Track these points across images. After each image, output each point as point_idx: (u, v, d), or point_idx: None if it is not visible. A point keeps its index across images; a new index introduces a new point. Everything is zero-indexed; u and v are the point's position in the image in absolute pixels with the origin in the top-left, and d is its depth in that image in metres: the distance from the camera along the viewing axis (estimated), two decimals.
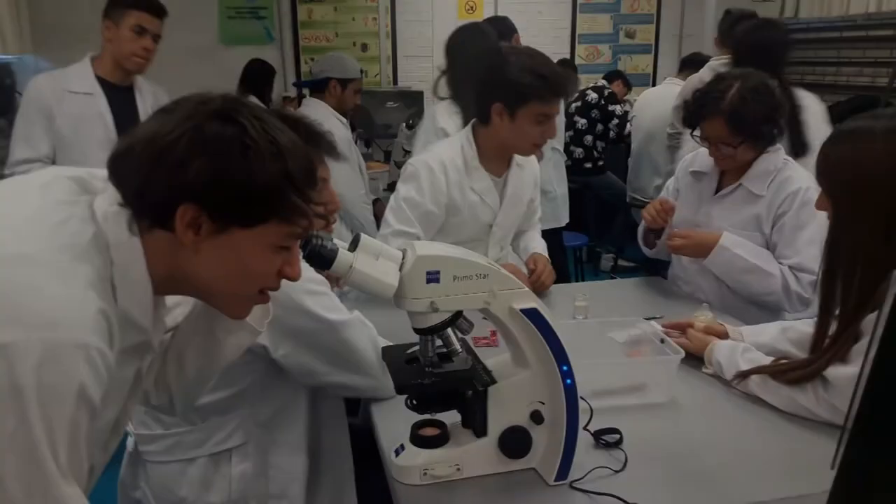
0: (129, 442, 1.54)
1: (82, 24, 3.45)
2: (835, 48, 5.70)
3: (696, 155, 2.27)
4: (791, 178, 2.01)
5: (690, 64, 4.26)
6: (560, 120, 3.50)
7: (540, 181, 3.43)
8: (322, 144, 1.33)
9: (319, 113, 3.17)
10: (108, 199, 0.90)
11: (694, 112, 2.04)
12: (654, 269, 2.50)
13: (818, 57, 5.87)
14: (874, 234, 1.33)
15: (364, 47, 6.21)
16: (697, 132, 2.04)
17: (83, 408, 0.80)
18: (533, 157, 2.28)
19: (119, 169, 0.89)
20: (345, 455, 1.60)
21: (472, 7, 6.20)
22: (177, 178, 0.85)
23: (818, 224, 1.90)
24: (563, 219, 3.47)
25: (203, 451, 1.45)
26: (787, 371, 1.47)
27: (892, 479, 0.64)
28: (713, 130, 1.99)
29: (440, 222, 2.13)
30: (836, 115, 5.12)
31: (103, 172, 0.92)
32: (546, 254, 2.33)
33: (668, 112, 3.82)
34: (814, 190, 1.91)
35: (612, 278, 4.58)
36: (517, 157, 2.18)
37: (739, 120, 1.94)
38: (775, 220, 2.01)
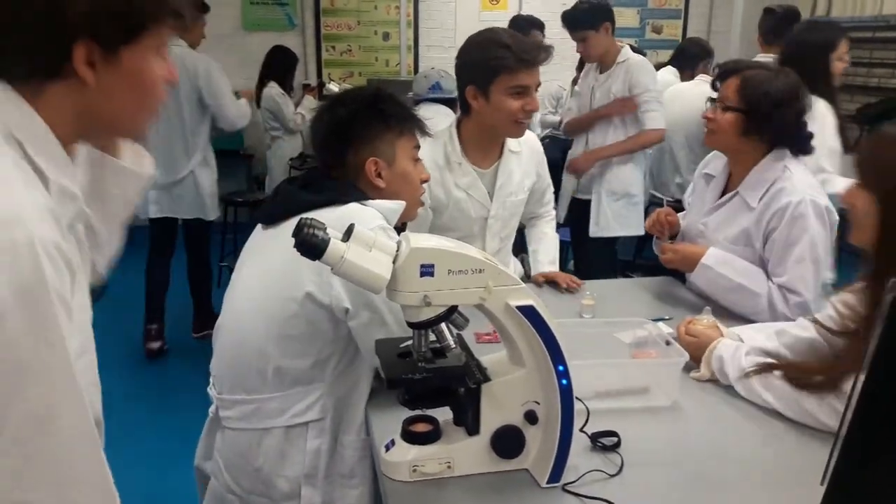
0: (211, 408, 1.56)
1: None
2: (867, 49, 5.57)
3: (713, 156, 2.21)
4: (784, 189, 1.89)
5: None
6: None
7: (625, 184, 3.35)
8: (417, 123, 1.58)
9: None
10: None
11: (721, 73, 2.02)
12: (671, 271, 2.44)
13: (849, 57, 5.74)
14: None
15: (386, 36, 6.17)
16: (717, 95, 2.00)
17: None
18: (534, 140, 2.21)
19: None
20: None
21: None
22: (63, 19, 0.85)
23: (809, 241, 1.83)
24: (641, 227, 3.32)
25: (280, 421, 1.44)
26: (807, 374, 1.41)
27: (882, 487, 0.61)
28: (726, 90, 1.96)
29: (427, 222, 2.07)
30: (866, 117, 5.03)
31: None
32: (557, 262, 2.29)
33: (694, 109, 3.72)
34: (806, 203, 1.84)
35: (627, 276, 4.51)
36: (510, 143, 2.10)
37: (751, 87, 1.90)
38: (766, 235, 1.92)
